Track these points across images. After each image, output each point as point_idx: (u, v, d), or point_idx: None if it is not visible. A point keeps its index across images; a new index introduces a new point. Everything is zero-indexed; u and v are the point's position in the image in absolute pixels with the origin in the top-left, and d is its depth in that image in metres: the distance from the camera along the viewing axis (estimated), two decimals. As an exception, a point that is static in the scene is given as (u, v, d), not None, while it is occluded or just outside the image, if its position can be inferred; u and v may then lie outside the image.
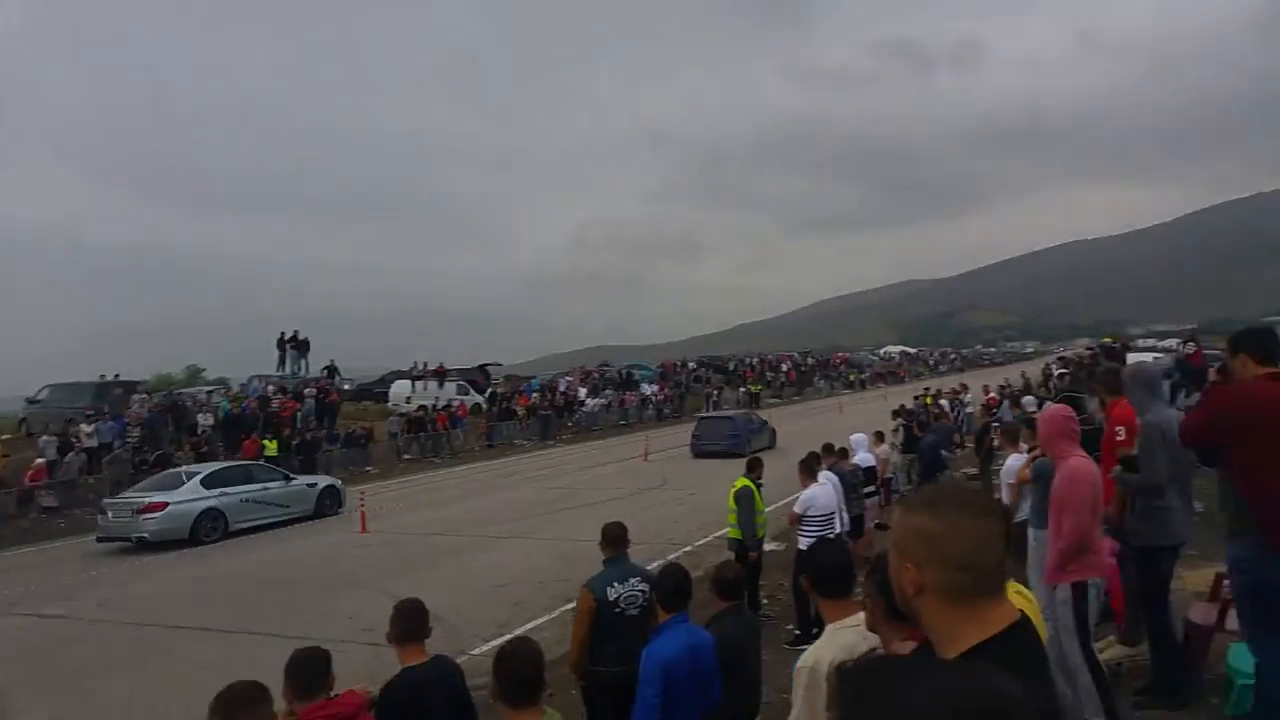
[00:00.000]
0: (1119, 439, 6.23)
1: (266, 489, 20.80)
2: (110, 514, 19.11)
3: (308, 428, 32.25)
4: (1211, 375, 5.20)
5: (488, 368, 49.36)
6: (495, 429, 38.64)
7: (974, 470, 17.88)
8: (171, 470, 22.07)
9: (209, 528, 19.11)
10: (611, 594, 5.77)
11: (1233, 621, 5.56)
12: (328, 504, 22.08)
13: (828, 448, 12.66)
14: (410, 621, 4.60)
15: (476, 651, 10.07)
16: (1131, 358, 33.83)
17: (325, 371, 42.03)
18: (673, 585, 4.98)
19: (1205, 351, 22.33)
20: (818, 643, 3.42)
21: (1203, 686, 6.02)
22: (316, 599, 13.41)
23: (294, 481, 21.93)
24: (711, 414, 37.27)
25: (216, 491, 19.63)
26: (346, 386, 42.91)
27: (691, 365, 64.38)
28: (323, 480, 23.49)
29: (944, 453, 17.43)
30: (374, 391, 43.67)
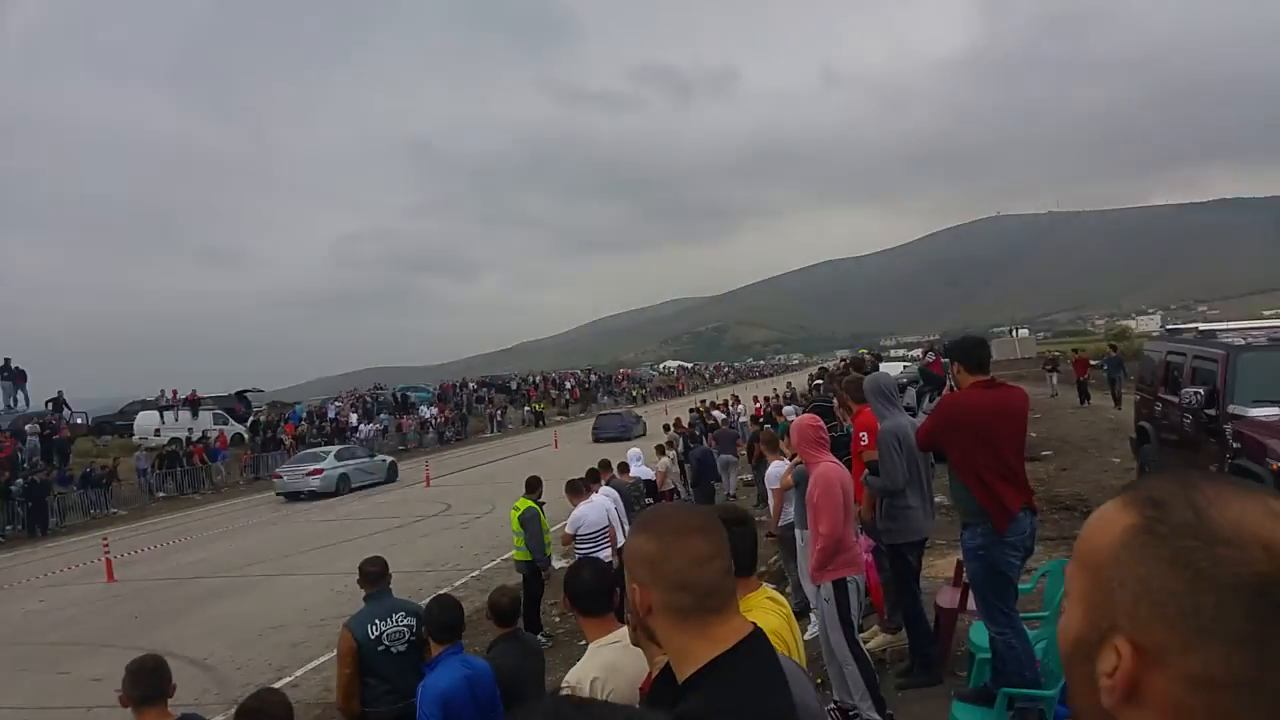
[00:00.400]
0: (863, 444, 6.73)
1: (363, 461, 31.76)
2: (285, 476, 29.25)
3: (34, 469, 28.66)
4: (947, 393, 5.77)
5: (247, 394, 45.92)
6: (260, 460, 36.40)
7: (749, 476, 18.55)
8: (311, 449, 33.32)
9: (343, 485, 28.89)
10: (374, 631, 5.57)
11: (972, 603, 5.99)
12: (392, 473, 32.23)
13: (604, 464, 12.79)
14: (147, 682, 4.06)
15: (250, 700, 9.32)
16: (883, 368, 36.73)
17: (50, 405, 37.35)
18: (441, 618, 4.84)
19: (944, 360, 24.29)
20: (580, 662, 3.38)
21: (952, 663, 6.52)
22: (47, 662, 11.99)
23: (376, 457, 33.16)
24: (607, 411, 50.72)
25: (344, 462, 30.09)
26: (79, 420, 38.20)
27: (472, 385, 63.41)
28: (388, 457, 34.12)
29: (729, 457, 18.02)
30: (115, 424, 39.38)
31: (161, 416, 37.55)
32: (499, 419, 52.28)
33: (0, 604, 16.29)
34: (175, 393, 39.88)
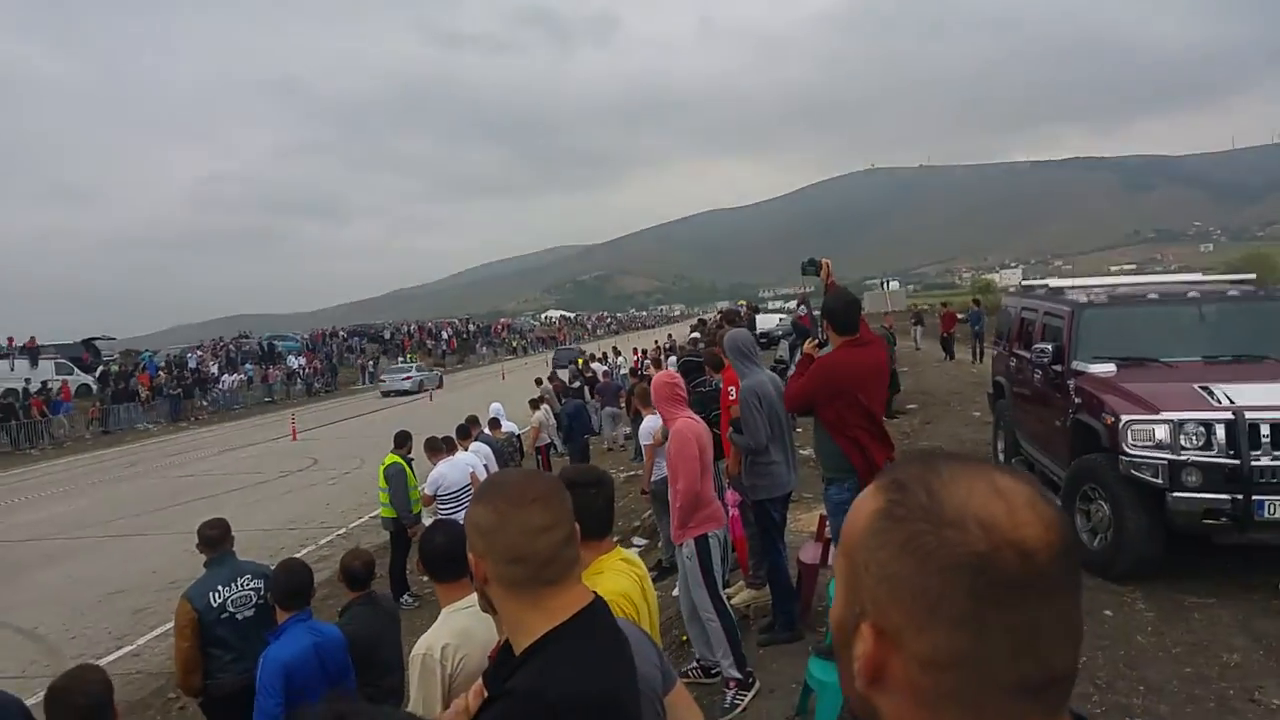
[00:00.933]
0: (731, 399, 6.80)
1: (428, 374, 44.70)
2: (387, 379, 43.20)
3: None
4: (808, 346, 5.77)
5: (96, 342, 43.49)
6: (111, 413, 34.49)
7: (628, 429, 18.57)
8: (399, 365, 47.57)
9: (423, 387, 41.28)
10: (215, 599, 5.31)
11: (834, 558, 6.07)
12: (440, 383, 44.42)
13: (473, 420, 12.60)
14: None
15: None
16: (760, 320, 37.23)
17: None
18: (286, 584, 4.63)
19: (814, 314, 24.76)
20: (432, 628, 3.33)
21: (813, 619, 6.59)
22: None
23: (433, 371, 46.63)
24: (564, 346, 57.51)
25: (419, 373, 43.87)
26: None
27: (343, 334, 61.63)
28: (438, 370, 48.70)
29: (613, 409, 17.99)
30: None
31: (-6, 366, 35.06)
32: (371, 370, 51.03)
33: None
34: (11, 340, 37.28)
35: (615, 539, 3.24)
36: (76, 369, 37.55)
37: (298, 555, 12.34)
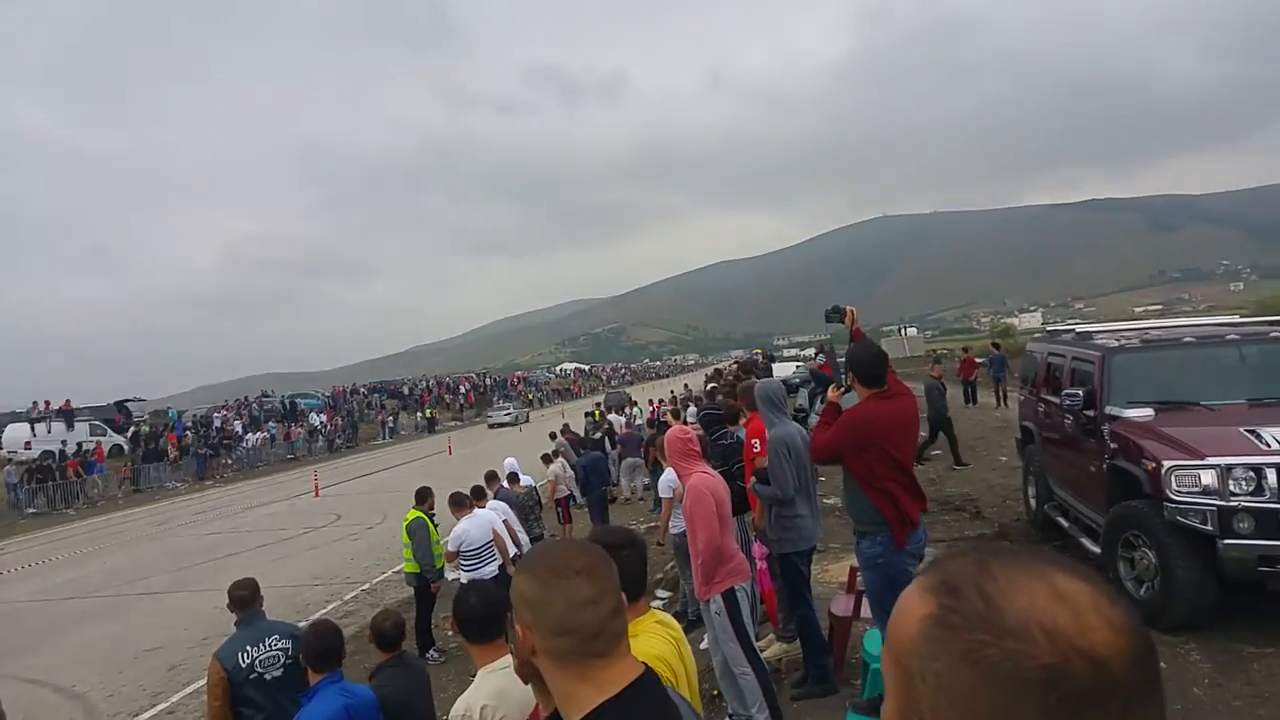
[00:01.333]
0: (755, 451, 6.74)
1: (521, 410, 56.73)
2: (493, 415, 54.13)
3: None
4: (832, 393, 5.72)
5: (127, 404, 44.27)
6: (141, 472, 34.75)
7: (647, 480, 18.48)
8: (502, 404, 59.01)
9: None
10: (244, 659, 5.29)
11: (867, 611, 6.04)
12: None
13: (491, 475, 12.61)
14: None
15: (123, 730, 8.87)
16: (776, 368, 37.28)
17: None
18: (318, 646, 4.62)
19: (838, 361, 24.70)
20: (470, 689, 3.33)
21: (846, 672, 6.55)
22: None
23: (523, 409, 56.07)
24: (614, 390, 58.32)
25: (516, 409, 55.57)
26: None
27: (363, 391, 61.91)
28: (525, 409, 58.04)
29: (634, 459, 17.95)
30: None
31: (33, 429, 35.79)
32: (391, 425, 51.19)
33: None
34: (48, 403, 38.08)
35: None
36: (109, 430, 38.08)
37: (323, 611, 12.43)
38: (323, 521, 22.10)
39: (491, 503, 11.00)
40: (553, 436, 21.18)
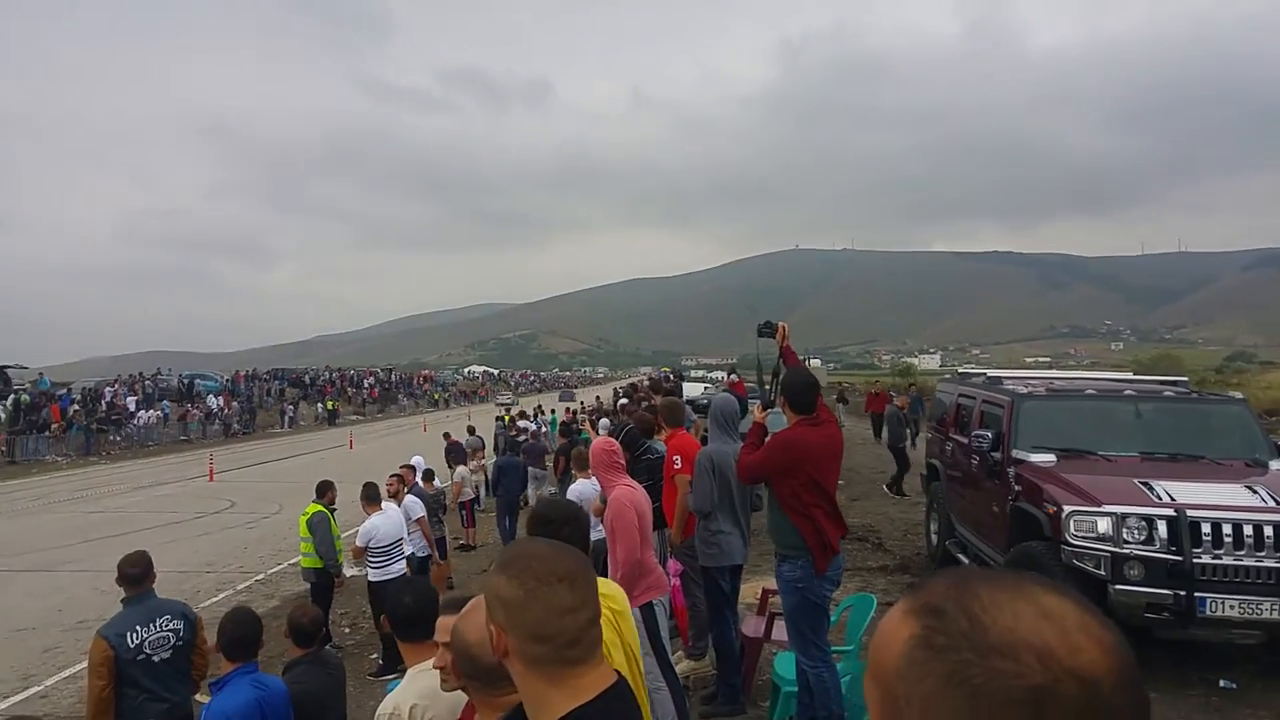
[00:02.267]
0: (676, 467, 6.83)
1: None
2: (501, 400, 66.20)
3: None
4: (757, 413, 5.78)
5: (7, 370, 41.91)
6: (17, 442, 33.00)
7: (553, 489, 18.44)
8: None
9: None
10: (134, 639, 5.08)
11: (779, 633, 6.22)
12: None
13: (411, 469, 12.45)
14: None
15: (-8, 711, 8.47)
16: (685, 388, 37.52)
17: None
18: (234, 634, 4.51)
19: (746, 384, 25.02)
20: (398, 688, 3.29)
21: (754, 693, 6.65)
22: None
23: None
24: (564, 388, 60.78)
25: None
26: None
27: (264, 377, 60.16)
28: None
29: (537, 470, 17.87)
30: None
31: (-102, 390, 33.61)
32: (291, 414, 49.86)
33: None
34: (-86, 365, 35.80)
35: None
36: (-16, 397, 35.95)
37: (214, 600, 12.04)
38: (216, 508, 21.36)
39: (408, 499, 10.88)
40: (446, 436, 21.05)
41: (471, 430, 21.60)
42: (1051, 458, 7.61)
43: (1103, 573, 6.35)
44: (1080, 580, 6.46)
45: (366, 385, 66.57)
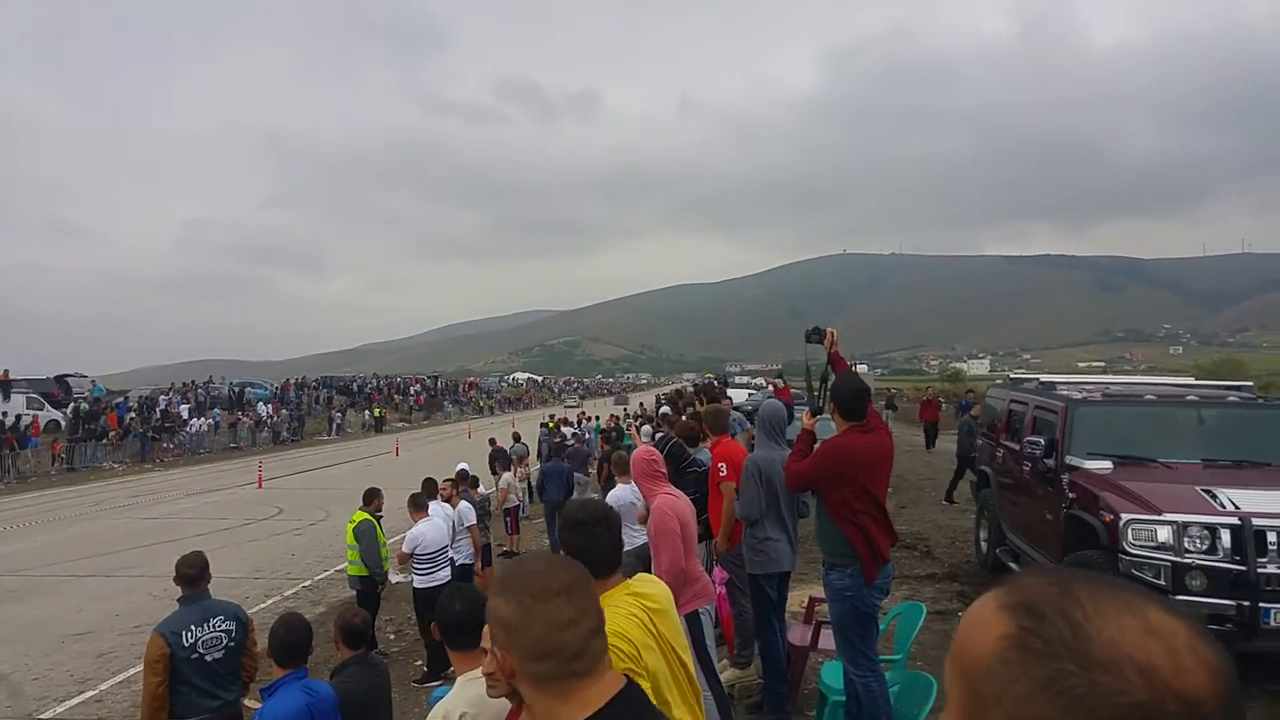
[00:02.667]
0: (722, 475, 6.77)
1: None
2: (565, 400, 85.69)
3: None
4: (806, 420, 5.65)
5: (68, 379, 43.08)
6: (77, 450, 33.78)
7: (598, 495, 18.42)
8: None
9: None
10: (188, 638, 5.16)
11: (826, 642, 6.11)
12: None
13: (463, 474, 12.46)
14: None
15: (48, 715, 8.65)
16: (730, 394, 37.43)
17: None
18: (285, 640, 4.56)
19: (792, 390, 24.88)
20: (448, 695, 3.26)
21: (801, 702, 6.56)
22: None
23: None
24: (619, 392, 61.68)
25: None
26: None
27: (313, 385, 61.01)
28: None
29: (581, 476, 17.86)
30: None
31: (-35, 397, 34.61)
32: (339, 422, 50.48)
33: None
34: (-12, 371, 36.83)
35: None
36: (47, 404, 37.10)
37: (262, 606, 12.15)
38: (264, 514, 21.66)
39: (462, 505, 10.93)
40: (492, 443, 21.11)
41: (517, 437, 21.62)
42: (1108, 465, 7.41)
43: (1163, 583, 6.17)
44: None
45: (412, 392, 67.22)
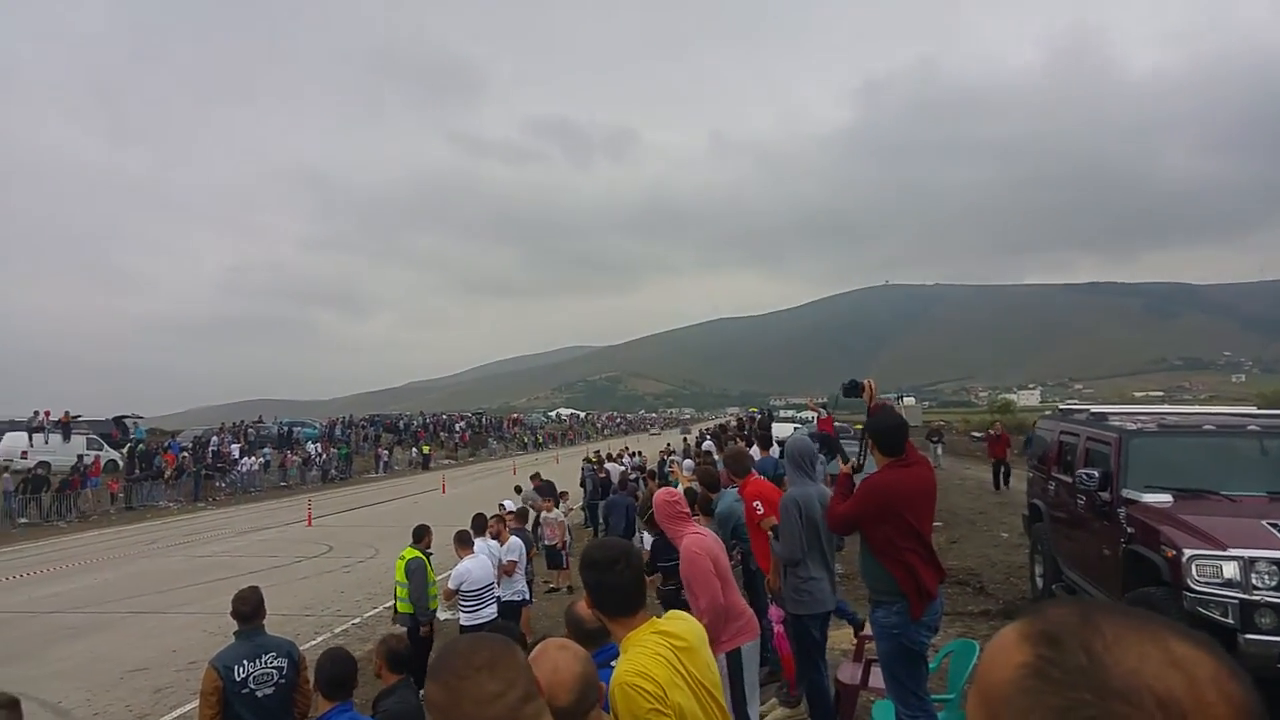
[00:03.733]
0: (759, 513, 6.72)
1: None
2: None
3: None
4: (844, 468, 5.50)
5: (125, 420, 44.25)
6: (135, 489, 34.47)
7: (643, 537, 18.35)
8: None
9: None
10: (240, 673, 5.24)
11: (875, 680, 6.00)
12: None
13: (522, 513, 12.55)
14: None
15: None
16: (775, 429, 37.29)
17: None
18: (331, 673, 4.61)
19: (836, 424, 24.38)
20: None
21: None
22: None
23: None
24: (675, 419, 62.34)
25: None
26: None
27: (361, 423, 61.68)
28: None
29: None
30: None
31: (30, 438, 35.66)
32: (386, 459, 50.92)
33: None
34: (48, 414, 37.90)
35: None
36: (106, 445, 37.98)
37: (313, 644, 12.23)
38: (314, 552, 21.88)
39: (512, 540, 11.01)
40: (534, 478, 20.94)
41: (536, 477, 21.05)
42: (1168, 498, 7.23)
43: (1231, 621, 5.98)
44: (1205, 629, 6.09)
45: (458, 429, 67.63)
